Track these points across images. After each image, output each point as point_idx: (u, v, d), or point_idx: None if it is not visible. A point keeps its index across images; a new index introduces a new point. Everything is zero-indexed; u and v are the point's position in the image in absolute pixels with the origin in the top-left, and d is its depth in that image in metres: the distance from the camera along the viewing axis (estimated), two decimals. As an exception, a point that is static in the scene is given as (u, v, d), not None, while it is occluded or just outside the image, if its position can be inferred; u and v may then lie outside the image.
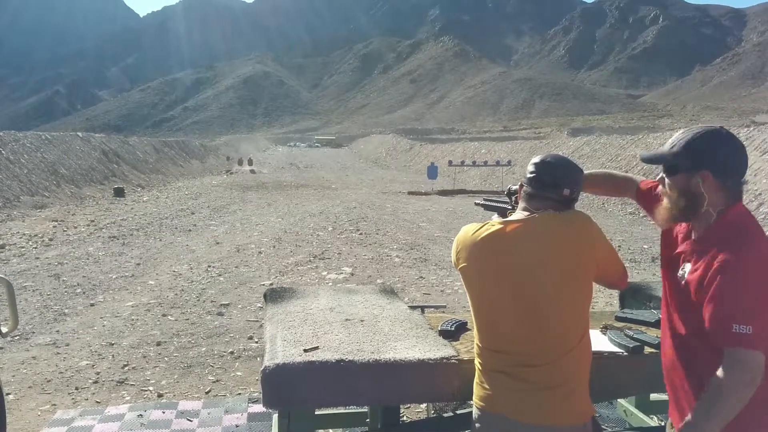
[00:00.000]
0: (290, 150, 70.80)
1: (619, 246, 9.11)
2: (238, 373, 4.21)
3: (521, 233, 1.57)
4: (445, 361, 1.89)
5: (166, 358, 4.45)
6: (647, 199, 1.79)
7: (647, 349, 1.99)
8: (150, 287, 6.59)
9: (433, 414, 2.98)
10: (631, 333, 2.09)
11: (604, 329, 2.20)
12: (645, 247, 9.22)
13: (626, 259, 7.96)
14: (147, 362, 4.37)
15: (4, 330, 2.14)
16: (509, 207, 1.88)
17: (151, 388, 3.93)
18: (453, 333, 2.16)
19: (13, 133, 17.61)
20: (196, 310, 5.70)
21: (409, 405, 3.43)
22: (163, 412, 3.49)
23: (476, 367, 1.68)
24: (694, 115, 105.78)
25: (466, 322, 2.21)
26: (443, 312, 2.86)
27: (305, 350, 1.92)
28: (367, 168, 37.33)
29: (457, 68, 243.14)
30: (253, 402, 3.64)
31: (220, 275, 7.18)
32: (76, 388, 3.90)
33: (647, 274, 7.18)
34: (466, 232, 1.68)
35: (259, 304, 5.56)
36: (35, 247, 8.85)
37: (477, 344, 1.68)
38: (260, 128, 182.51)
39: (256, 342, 4.78)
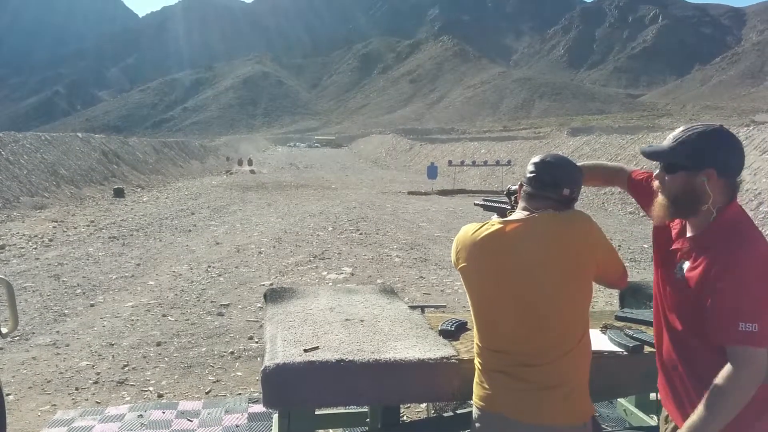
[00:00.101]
0: (290, 150, 70.81)
1: (619, 245, 9.11)
2: (239, 373, 4.21)
3: (521, 233, 1.56)
4: (445, 360, 1.89)
5: (166, 359, 4.46)
6: (638, 189, 1.81)
7: (647, 349, 1.98)
8: (150, 288, 6.59)
9: (433, 414, 2.98)
10: (630, 332, 2.10)
11: (604, 329, 2.20)
12: (645, 246, 9.22)
13: (626, 258, 7.96)
14: (147, 362, 4.37)
15: (4, 330, 2.14)
16: (509, 207, 1.88)
17: (151, 389, 3.93)
18: (453, 333, 2.16)
19: (12, 133, 17.61)
20: (196, 311, 5.70)
21: (409, 405, 3.43)
22: (164, 413, 3.49)
23: (476, 367, 1.68)
24: (694, 115, 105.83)
25: (466, 322, 2.21)
26: (443, 312, 2.86)
27: (305, 350, 1.92)
28: (367, 168, 37.33)
29: (457, 68, 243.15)
30: (253, 402, 3.64)
31: (220, 275, 7.18)
32: (77, 389, 3.90)
33: (647, 273, 7.18)
34: (465, 231, 1.68)
35: (259, 305, 5.57)
36: (35, 248, 8.85)
37: (477, 344, 1.68)
38: (260, 128, 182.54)
39: (257, 342, 4.78)
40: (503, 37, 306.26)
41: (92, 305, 5.87)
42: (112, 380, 4.04)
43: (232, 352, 4.59)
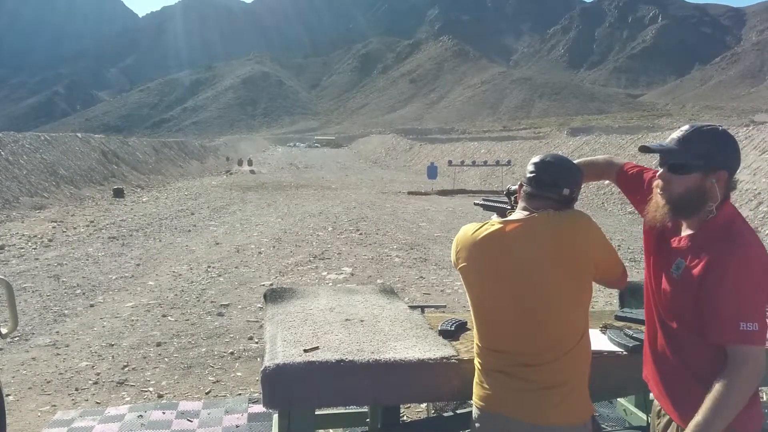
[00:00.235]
0: (290, 150, 70.78)
1: (619, 246, 9.11)
2: (239, 374, 4.21)
3: (521, 233, 1.56)
4: (445, 360, 1.89)
5: (166, 359, 4.46)
6: (629, 184, 1.81)
7: (647, 349, 1.98)
8: (150, 288, 6.59)
9: (433, 414, 2.99)
10: (630, 332, 2.10)
11: (604, 328, 2.20)
12: (645, 246, 9.21)
13: (626, 258, 7.96)
14: (147, 363, 4.37)
15: (4, 331, 2.14)
16: (508, 207, 1.89)
17: (151, 389, 3.93)
18: (453, 333, 2.16)
19: (12, 134, 17.60)
20: (196, 311, 5.70)
21: (409, 405, 3.43)
22: (164, 413, 3.49)
23: (476, 367, 1.69)
24: (693, 115, 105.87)
25: (466, 322, 2.21)
26: (443, 312, 2.86)
27: (305, 350, 1.92)
28: (367, 168, 37.33)
29: (457, 68, 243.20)
30: (253, 402, 3.64)
31: (219, 276, 7.18)
32: (76, 389, 3.90)
33: (647, 273, 7.17)
34: (465, 231, 1.68)
35: (259, 305, 5.57)
36: (35, 248, 8.84)
37: (477, 344, 1.68)
38: (260, 129, 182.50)
39: (256, 342, 4.78)
40: (503, 37, 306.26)
41: (92, 306, 5.87)
42: (112, 381, 4.04)
43: (232, 353, 4.59)
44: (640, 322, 2.30)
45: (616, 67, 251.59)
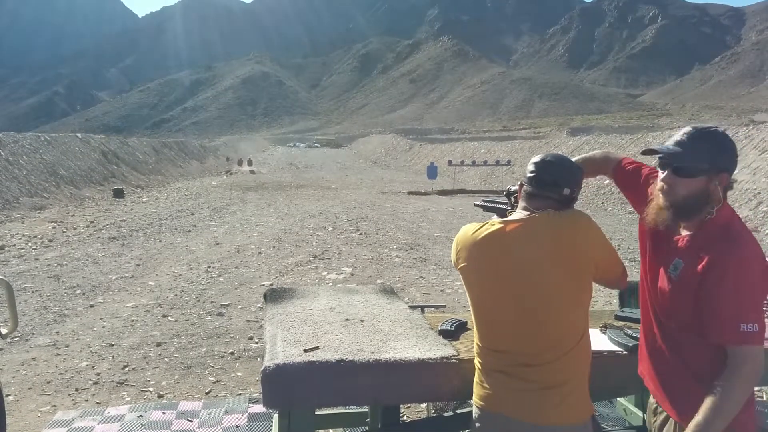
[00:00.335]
0: (290, 150, 70.77)
1: (619, 245, 9.12)
2: (239, 374, 4.21)
3: (521, 233, 1.57)
4: (445, 360, 1.89)
5: (166, 359, 4.46)
6: (626, 181, 1.80)
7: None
8: (150, 288, 6.59)
9: (433, 414, 2.99)
10: (630, 332, 2.10)
11: (604, 328, 2.20)
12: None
13: (626, 258, 7.96)
14: (147, 363, 4.37)
15: (4, 331, 2.14)
16: (508, 208, 1.89)
17: (151, 389, 3.93)
18: (453, 333, 2.16)
19: (12, 134, 17.60)
20: (196, 311, 5.70)
21: (409, 405, 3.43)
22: (164, 413, 3.49)
23: (476, 367, 1.69)
24: (693, 114, 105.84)
25: (466, 322, 2.21)
26: (443, 312, 2.86)
27: (305, 350, 1.92)
28: (367, 168, 37.32)
29: (457, 68, 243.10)
30: (253, 402, 3.64)
31: (220, 276, 7.18)
32: (76, 389, 3.90)
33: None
34: (465, 231, 1.68)
35: (259, 305, 5.57)
36: (35, 249, 8.84)
37: (477, 344, 1.68)
38: (259, 129, 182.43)
39: (257, 342, 4.78)
40: (503, 37, 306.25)
41: (92, 306, 5.87)
42: (112, 381, 4.04)
43: (232, 353, 4.59)
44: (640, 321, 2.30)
45: (615, 67, 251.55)
